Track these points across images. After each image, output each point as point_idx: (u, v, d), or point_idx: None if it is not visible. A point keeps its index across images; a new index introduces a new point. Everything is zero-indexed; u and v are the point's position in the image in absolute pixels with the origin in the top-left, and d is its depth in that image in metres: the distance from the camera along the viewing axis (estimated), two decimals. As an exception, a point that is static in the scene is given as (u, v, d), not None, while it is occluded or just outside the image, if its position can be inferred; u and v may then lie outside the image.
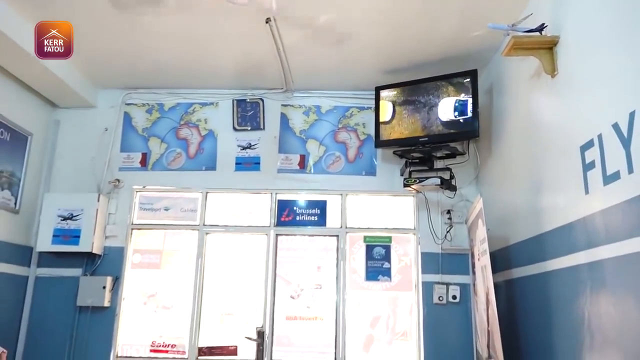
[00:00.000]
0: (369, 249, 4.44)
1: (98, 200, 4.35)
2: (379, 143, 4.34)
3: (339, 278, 4.36)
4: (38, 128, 4.49)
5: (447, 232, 4.29)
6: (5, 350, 2.70)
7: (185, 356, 4.24)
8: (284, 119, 4.69)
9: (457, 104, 4.00)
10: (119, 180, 4.56)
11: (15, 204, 4.22)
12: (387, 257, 4.41)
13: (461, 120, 3.97)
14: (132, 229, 4.54)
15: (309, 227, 4.49)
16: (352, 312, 4.32)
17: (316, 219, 4.50)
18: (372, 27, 3.66)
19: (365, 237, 4.46)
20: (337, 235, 4.45)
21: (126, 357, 4.27)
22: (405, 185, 4.17)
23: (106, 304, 4.23)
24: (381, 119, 4.29)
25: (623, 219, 2.05)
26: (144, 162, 4.64)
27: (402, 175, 4.32)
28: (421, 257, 4.32)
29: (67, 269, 4.35)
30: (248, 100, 4.69)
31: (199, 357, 4.21)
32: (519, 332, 3.27)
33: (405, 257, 4.43)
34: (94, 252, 4.27)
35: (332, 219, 4.50)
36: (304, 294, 4.39)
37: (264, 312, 4.29)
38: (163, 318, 4.39)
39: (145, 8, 3.48)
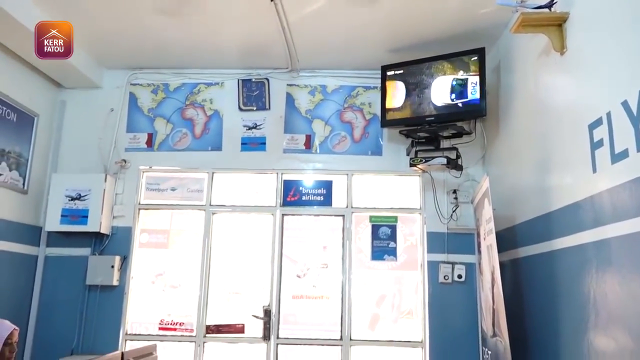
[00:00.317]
0: (375, 228, 4.45)
1: (105, 181, 4.37)
2: (385, 123, 4.32)
3: (345, 257, 4.38)
4: (44, 109, 4.50)
5: (453, 211, 4.29)
6: (17, 328, 2.75)
7: (193, 334, 4.31)
8: (290, 99, 4.67)
9: (455, 84, 3.97)
10: (125, 161, 4.57)
11: (24, 184, 4.26)
12: (392, 236, 4.42)
13: (460, 104, 3.94)
14: (139, 209, 4.57)
15: (315, 207, 4.50)
16: (358, 291, 4.36)
17: (322, 199, 4.51)
18: (378, 4, 3.61)
19: (371, 217, 4.47)
20: (343, 215, 4.46)
21: (135, 334, 4.34)
22: (411, 165, 4.16)
23: (115, 282, 4.28)
24: (387, 104, 4.26)
25: (630, 198, 2.04)
26: (150, 142, 4.65)
27: (408, 155, 4.31)
28: (427, 236, 4.33)
29: (76, 249, 4.40)
30: (253, 80, 4.66)
31: (207, 335, 4.28)
32: (524, 311, 3.29)
33: (411, 236, 4.44)
34: (102, 231, 4.30)
35: (338, 198, 4.51)
36: (310, 273, 4.42)
37: (271, 291, 4.34)
38: (171, 297, 4.44)
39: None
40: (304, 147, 4.58)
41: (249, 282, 4.43)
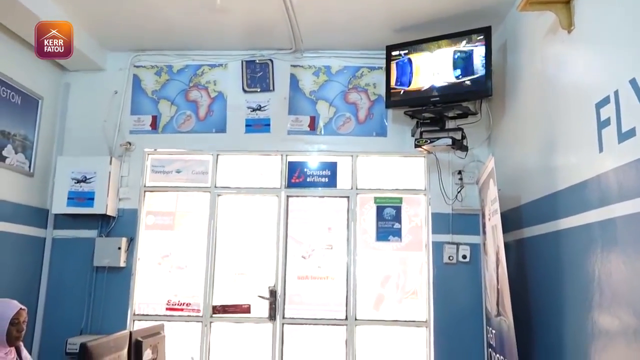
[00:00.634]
0: (380, 209, 4.46)
1: (110, 163, 4.38)
2: (390, 103, 4.30)
3: (350, 238, 4.40)
4: (48, 91, 4.49)
5: (458, 192, 4.29)
6: (24, 308, 2.78)
7: (200, 314, 4.36)
8: (294, 80, 4.64)
9: (457, 57, 3.94)
10: (130, 143, 4.58)
11: (30, 167, 4.28)
12: (397, 217, 4.43)
13: (467, 82, 3.91)
14: (145, 191, 4.59)
15: (320, 188, 4.51)
16: (362, 272, 4.38)
17: (327, 180, 4.52)
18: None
19: (375, 198, 4.48)
20: (348, 197, 4.47)
21: (143, 315, 4.40)
22: (416, 146, 4.14)
23: (122, 264, 4.33)
24: (392, 84, 4.24)
25: (637, 177, 2.03)
26: (154, 124, 4.65)
27: (413, 136, 4.29)
28: (432, 217, 4.34)
29: (83, 231, 4.44)
30: (257, 61, 4.63)
31: (214, 315, 4.33)
32: (528, 290, 3.31)
33: (416, 217, 4.45)
34: (108, 214, 4.33)
35: (343, 180, 4.51)
36: (315, 254, 4.45)
37: (276, 272, 4.37)
38: (177, 278, 4.49)
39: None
40: (308, 129, 4.57)
41: (255, 263, 4.46)
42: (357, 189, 4.48)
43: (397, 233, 4.41)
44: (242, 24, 4.22)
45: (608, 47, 2.35)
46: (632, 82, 2.06)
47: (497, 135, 4.20)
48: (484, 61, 3.88)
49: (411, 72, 4.18)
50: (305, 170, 4.55)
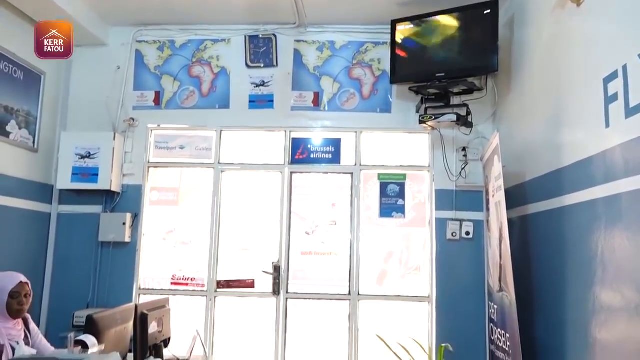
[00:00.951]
0: (384, 186, 4.45)
1: (114, 139, 4.38)
2: (395, 79, 4.26)
3: (353, 215, 4.41)
4: (51, 67, 4.46)
5: (462, 169, 4.28)
6: (27, 281, 2.79)
7: (205, 289, 4.41)
8: (298, 56, 4.59)
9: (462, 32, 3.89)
10: (133, 119, 4.57)
11: (34, 142, 4.28)
12: (401, 194, 4.43)
13: (473, 58, 3.85)
14: (149, 167, 4.60)
15: (324, 164, 4.50)
16: (366, 248, 4.41)
17: (330, 156, 4.51)
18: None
19: (379, 175, 4.47)
20: (352, 173, 4.47)
21: (148, 289, 4.45)
22: (420, 122, 4.12)
23: (127, 239, 4.36)
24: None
25: (644, 152, 2.02)
26: (157, 100, 4.63)
27: (417, 112, 4.26)
28: (435, 194, 4.34)
29: (88, 206, 4.46)
30: (260, 36, 4.58)
31: (218, 290, 4.38)
32: (531, 266, 3.32)
33: (420, 194, 4.45)
34: (112, 189, 4.35)
35: (347, 156, 4.50)
36: (318, 230, 4.47)
37: (280, 248, 4.40)
38: (182, 253, 4.53)
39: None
40: (312, 105, 4.54)
41: (259, 239, 4.49)
42: (361, 165, 4.47)
43: (401, 209, 4.42)
44: (245, -3, 4.16)
45: (617, 21, 2.30)
46: (641, 55, 2.03)
47: (502, 111, 4.16)
48: (490, 36, 3.83)
49: (417, 47, 4.13)
50: (309, 146, 4.54)
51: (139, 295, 4.43)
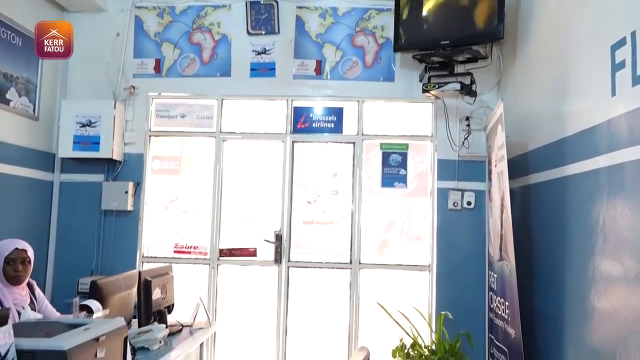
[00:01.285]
0: (386, 156, 4.44)
1: (114, 107, 4.35)
2: (398, 47, 4.19)
3: (355, 184, 4.41)
4: (49, 33, 4.40)
5: (465, 139, 4.25)
6: (24, 248, 2.78)
7: (207, 257, 4.45)
8: (300, 22, 4.51)
9: None
10: (134, 87, 4.52)
11: (34, 110, 4.25)
12: (403, 164, 4.42)
13: (478, 25, 3.77)
14: (150, 136, 4.58)
15: (326, 134, 4.48)
16: (367, 217, 4.42)
17: (332, 126, 4.47)
18: None
19: (381, 144, 4.45)
20: (354, 143, 4.44)
21: (151, 257, 4.50)
22: (424, 91, 4.07)
23: (129, 208, 4.38)
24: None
25: (649, 121, 2.00)
26: (157, 68, 4.58)
27: (421, 81, 4.21)
28: (437, 164, 4.33)
29: (90, 175, 4.47)
30: (262, 2, 4.48)
31: (220, 258, 4.42)
32: (531, 236, 3.34)
33: (422, 164, 4.43)
34: (114, 158, 4.34)
35: (349, 126, 4.47)
36: (320, 199, 4.47)
37: (282, 217, 4.42)
38: (184, 221, 4.55)
39: None
40: (314, 73, 4.48)
41: (261, 208, 4.51)
42: (363, 135, 4.44)
43: (403, 179, 4.42)
44: (246, -39, 4.06)
45: (628, -14, 2.25)
46: (651, 22, 1.98)
47: (507, 80, 4.11)
48: (496, 3, 3.74)
49: (421, 15, 4.06)
50: (311, 115, 4.50)
51: (142, 263, 4.48)
